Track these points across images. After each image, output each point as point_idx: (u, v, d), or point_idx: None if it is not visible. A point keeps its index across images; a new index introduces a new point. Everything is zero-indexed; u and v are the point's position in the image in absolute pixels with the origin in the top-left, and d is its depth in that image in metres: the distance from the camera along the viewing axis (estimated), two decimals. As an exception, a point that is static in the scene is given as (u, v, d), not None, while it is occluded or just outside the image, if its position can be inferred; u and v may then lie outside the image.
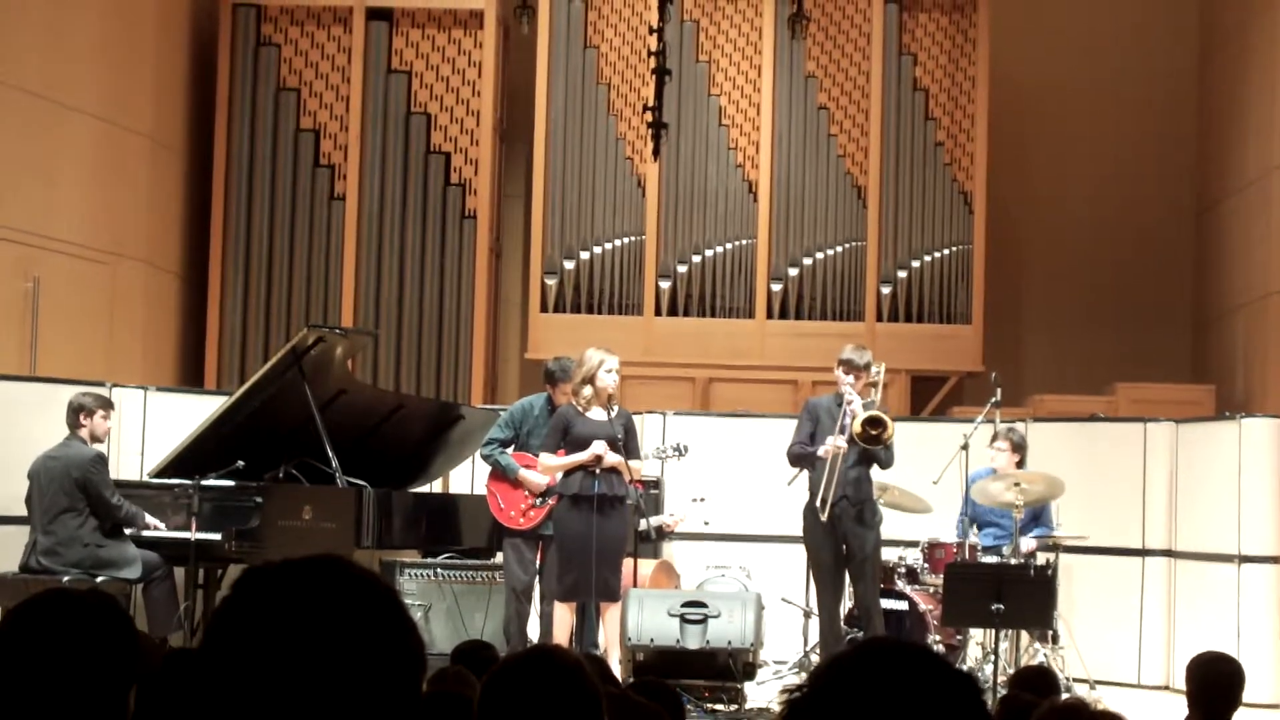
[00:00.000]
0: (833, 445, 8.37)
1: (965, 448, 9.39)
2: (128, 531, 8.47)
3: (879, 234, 12.42)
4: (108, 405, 8.69)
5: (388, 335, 12.36)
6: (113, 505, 8.36)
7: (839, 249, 12.46)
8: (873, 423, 8.29)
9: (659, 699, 4.00)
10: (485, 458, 8.93)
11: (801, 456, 8.62)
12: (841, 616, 8.71)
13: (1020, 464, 9.40)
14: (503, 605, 8.83)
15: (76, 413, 8.52)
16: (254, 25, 12.56)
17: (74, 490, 8.33)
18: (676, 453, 9.44)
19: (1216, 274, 12.62)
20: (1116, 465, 10.19)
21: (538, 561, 8.75)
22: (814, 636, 9.26)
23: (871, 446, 8.32)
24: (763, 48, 12.61)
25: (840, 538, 8.42)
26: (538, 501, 8.69)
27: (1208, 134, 13.05)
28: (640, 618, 8.30)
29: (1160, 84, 13.29)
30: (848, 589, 8.71)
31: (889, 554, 9.18)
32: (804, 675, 7.22)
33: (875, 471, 8.61)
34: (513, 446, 8.88)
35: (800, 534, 8.76)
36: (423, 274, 12.48)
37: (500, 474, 8.80)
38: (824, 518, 8.38)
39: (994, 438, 9.43)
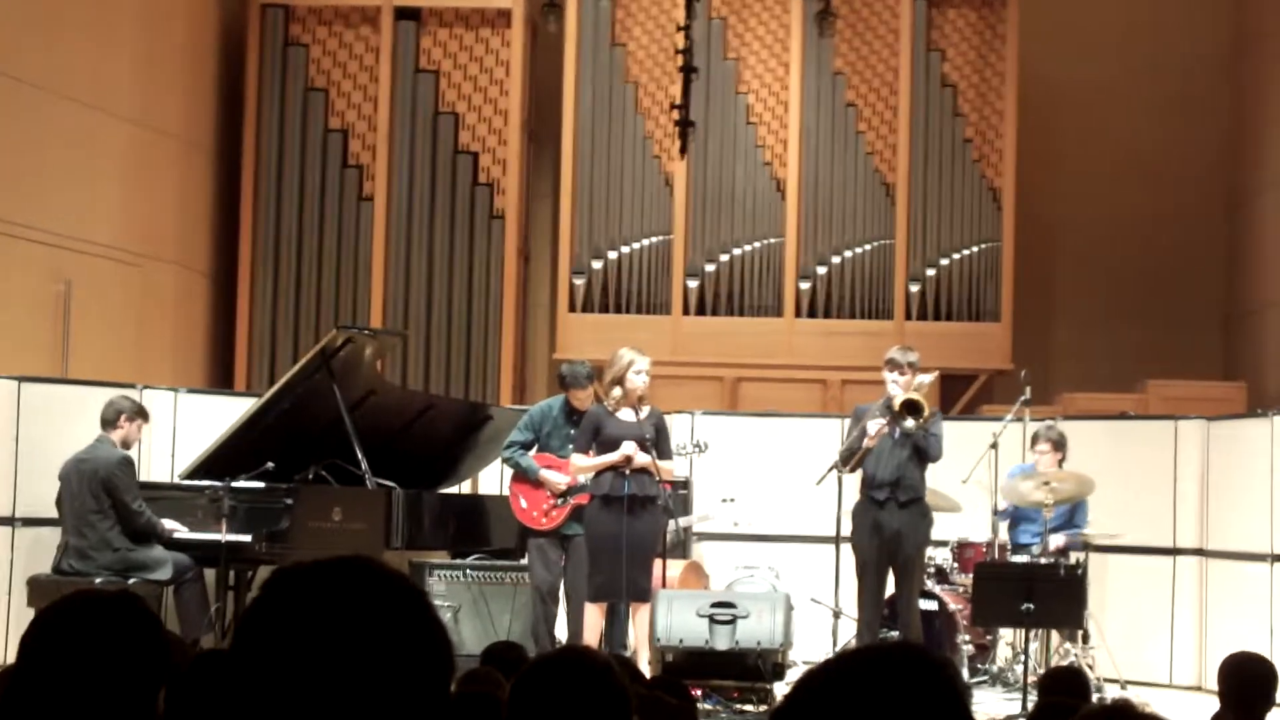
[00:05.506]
0: (876, 427, 8.36)
1: (995, 446, 9.33)
2: (152, 534, 8.51)
3: (907, 231, 12.38)
4: (144, 414, 8.75)
5: (416, 335, 12.37)
6: (133, 511, 8.38)
7: (867, 247, 12.42)
8: (909, 406, 8.27)
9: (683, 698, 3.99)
10: (506, 460, 8.94)
11: (852, 451, 8.55)
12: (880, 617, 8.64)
13: (1063, 461, 9.34)
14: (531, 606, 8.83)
15: (116, 415, 8.56)
16: (282, 26, 12.59)
17: (101, 493, 8.36)
18: (697, 449, 9.42)
19: (1248, 270, 12.54)
20: (1147, 463, 10.12)
21: (562, 562, 8.75)
22: (843, 637, 9.21)
23: (900, 424, 8.29)
24: (790, 45, 12.58)
25: (886, 536, 8.39)
26: (559, 501, 8.69)
27: (1240, 129, 12.96)
28: (669, 618, 8.28)
29: (1191, 78, 13.19)
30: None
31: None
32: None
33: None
34: (534, 449, 8.89)
35: (830, 534, 8.73)
36: (451, 274, 12.49)
37: (522, 476, 8.81)
38: (846, 470, 8.42)
39: (1034, 439, 9.38)
